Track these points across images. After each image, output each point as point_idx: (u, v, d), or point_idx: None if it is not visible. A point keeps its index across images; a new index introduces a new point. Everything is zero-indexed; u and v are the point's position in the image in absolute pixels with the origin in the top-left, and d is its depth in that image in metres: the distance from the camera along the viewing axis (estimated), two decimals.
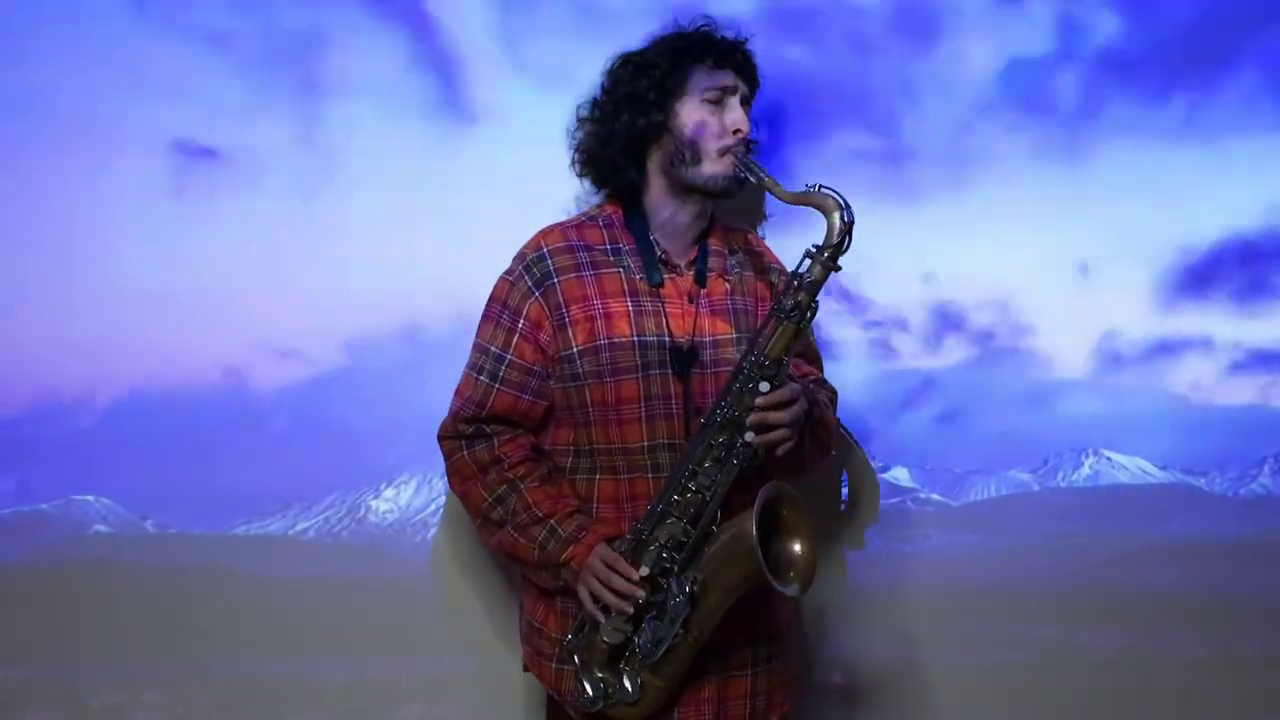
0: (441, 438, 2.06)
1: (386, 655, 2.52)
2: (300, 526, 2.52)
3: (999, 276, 2.61)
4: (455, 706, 2.54)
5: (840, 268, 1.86)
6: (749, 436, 1.85)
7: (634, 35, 2.10)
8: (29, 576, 2.47)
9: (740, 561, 1.83)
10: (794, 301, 1.85)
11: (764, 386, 1.85)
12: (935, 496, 2.63)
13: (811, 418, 1.96)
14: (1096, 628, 2.64)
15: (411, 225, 2.47)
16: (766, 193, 1.96)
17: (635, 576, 1.86)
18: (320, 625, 2.51)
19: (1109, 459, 2.66)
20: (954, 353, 2.62)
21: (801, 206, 1.90)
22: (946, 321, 2.61)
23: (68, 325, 2.45)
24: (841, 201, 1.85)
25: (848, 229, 1.84)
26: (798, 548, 1.89)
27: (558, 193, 2.32)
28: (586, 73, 2.11)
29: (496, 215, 2.38)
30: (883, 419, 2.60)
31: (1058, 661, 2.64)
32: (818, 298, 1.86)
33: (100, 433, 2.46)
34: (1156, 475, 2.66)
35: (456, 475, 2.04)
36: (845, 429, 2.50)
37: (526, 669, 2.09)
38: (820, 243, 1.85)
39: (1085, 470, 2.66)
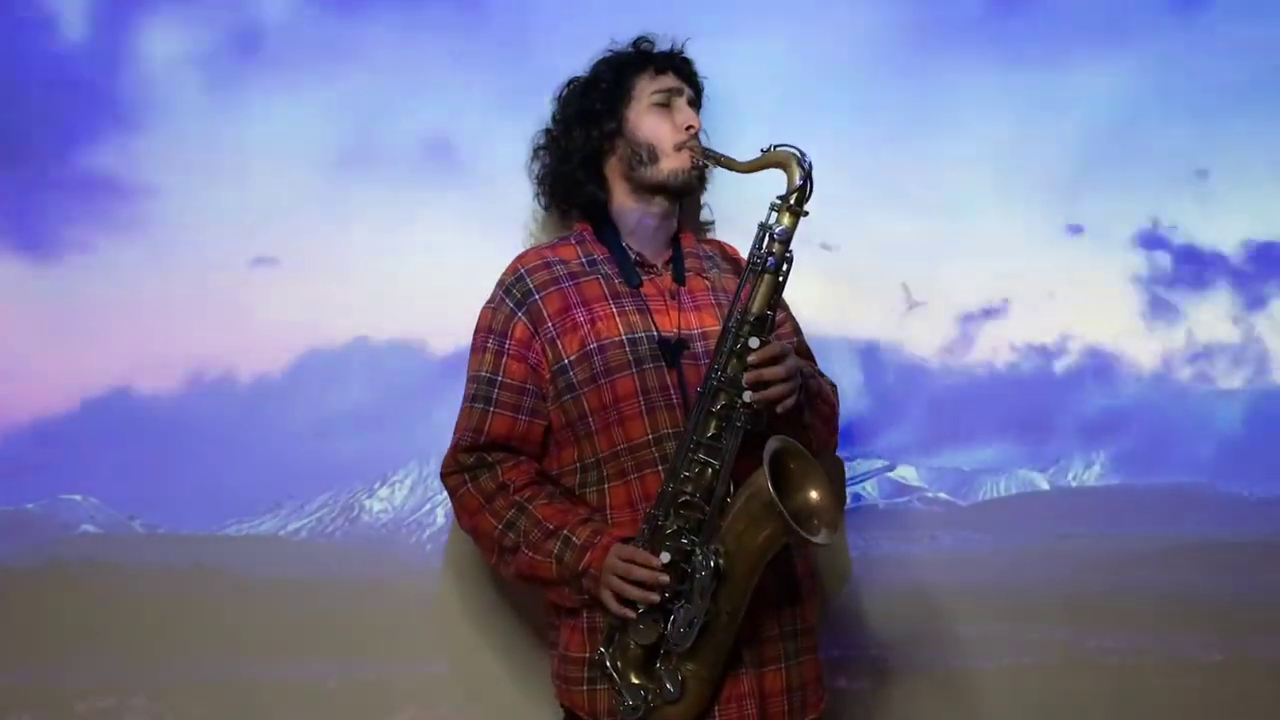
0: (444, 475, 2.06)
1: (381, 658, 2.50)
2: (292, 526, 2.49)
3: (1007, 270, 2.59)
4: (452, 710, 2.52)
5: (807, 213, 1.89)
6: (747, 396, 1.85)
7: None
8: (14, 577, 2.44)
9: (761, 520, 1.81)
10: (769, 253, 1.88)
11: (753, 343, 1.86)
12: (943, 495, 2.61)
13: (808, 388, 1.98)
14: (1109, 630, 2.62)
15: (407, 225, 2.47)
16: (714, 173, 2.04)
17: (656, 564, 1.85)
18: (313, 627, 2.48)
19: (1121, 458, 2.63)
20: (962, 347, 2.59)
21: (760, 171, 1.95)
22: (954, 316, 2.59)
23: (55, 322, 2.43)
24: (797, 151, 1.89)
25: (807, 174, 1.88)
26: (814, 495, 1.86)
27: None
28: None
29: (491, 217, 2.43)
30: (889, 416, 2.57)
31: (1069, 664, 2.61)
32: (791, 249, 1.89)
33: (87, 430, 2.43)
34: (1170, 475, 2.64)
35: (464, 511, 2.04)
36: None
37: (563, 706, 2.06)
38: (783, 192, 1.89)
39: (1097, 469, 2.63)
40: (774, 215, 1.89)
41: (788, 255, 1.89)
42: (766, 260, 1.88)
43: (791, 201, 1.88)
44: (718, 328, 1.99)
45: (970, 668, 2.59)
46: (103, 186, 2.44)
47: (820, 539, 1.83)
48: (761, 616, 1.94)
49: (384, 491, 2.51)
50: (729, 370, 1.87)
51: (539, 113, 2.23)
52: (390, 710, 2.51)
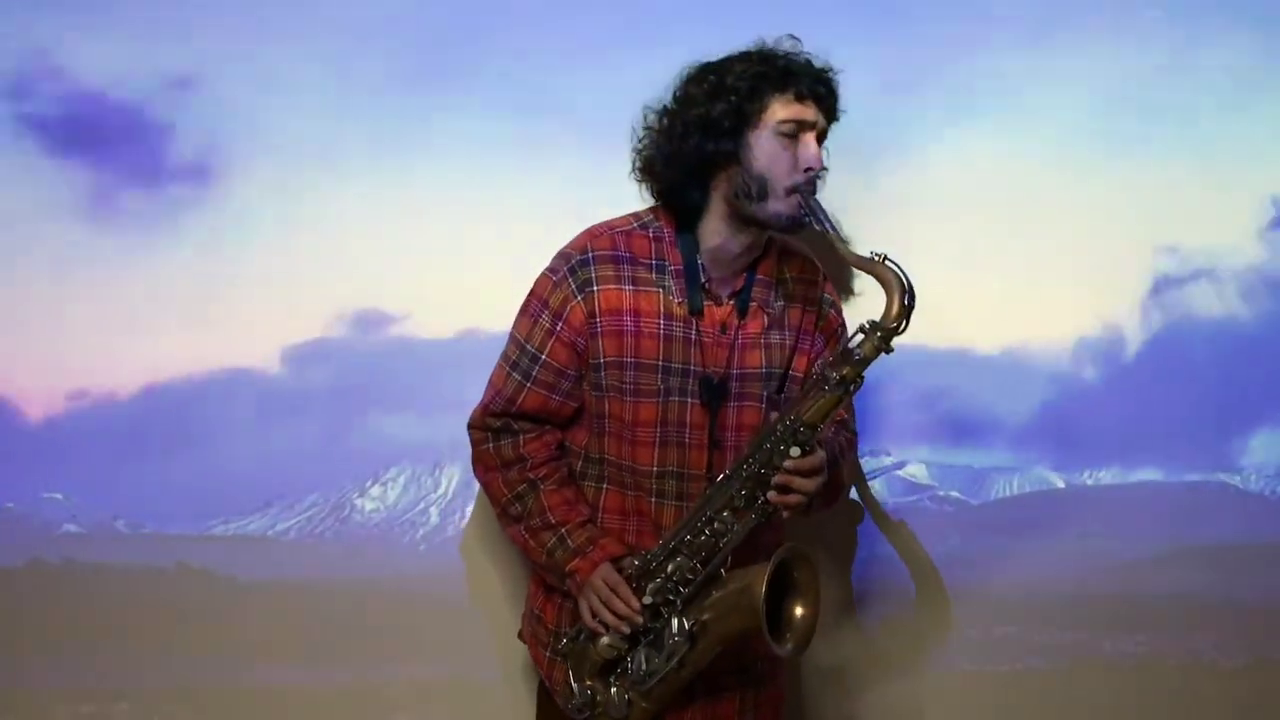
0: (470, 427, 2.09)
1: (374, 662, 2.48)
2: (281, 526, 2.48)
3: (1019, 264, 2.55)
4: (447, 714, 2.50)
5: (892, 349, 1.85)
6: (771, 495, 1.88)
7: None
8: None
9: (743, 615, 1.88)
10: (839, 376, 1.85)
11: (794, 451, 1.87)
12: (954, 494, 2.58)
13: (829, 479, 1.97)
14: (1124, 633, 2.60)
15: (399, 222, 2.44)
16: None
17: (636, 605, 1.92)
18: (303, 631, 2.47)
19: (1138, 455, 2.60)
20: (974, 342, 2.55)
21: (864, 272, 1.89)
22: (966, 309, 2.52)
23: (40, 318, 2.41)
24: (905, 283, 1.82)
25: (906, 313, 1.82)
26: (800, 610, 1.94)
27: (542, 193, 2.36)
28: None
29: (484, 216, 2.41)
30: (899, 412, 2.54)
31: (1083, 669, 2.59)
32: (863, 374, 1.87)
33: (70, 427, 2.41)
34: (1188, 473, 2.60)
35: (480, 464, 2.09)
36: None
37: (521, 638, 2.16)
38: (877, 320, 1.83)
39: (1113, 468, 2.60)
40: (859, 337, 1.84)
41: (859, 379, 1.86)
42: (836, 382, 1.85)
43: (879, 336, 1.82)
44: (760, 370, 2.01)
45: (982, 671, 2.57)
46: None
47: (785, 650, 1.91)
48: (725, 651, 1.97)
49: (376, 490, 2.50)
50: (762, 469, 1.88)
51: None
52: (384, 716, 2.49)
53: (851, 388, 1.86)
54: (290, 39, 2.39)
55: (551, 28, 2.43)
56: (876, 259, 1.82)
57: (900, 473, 2.55)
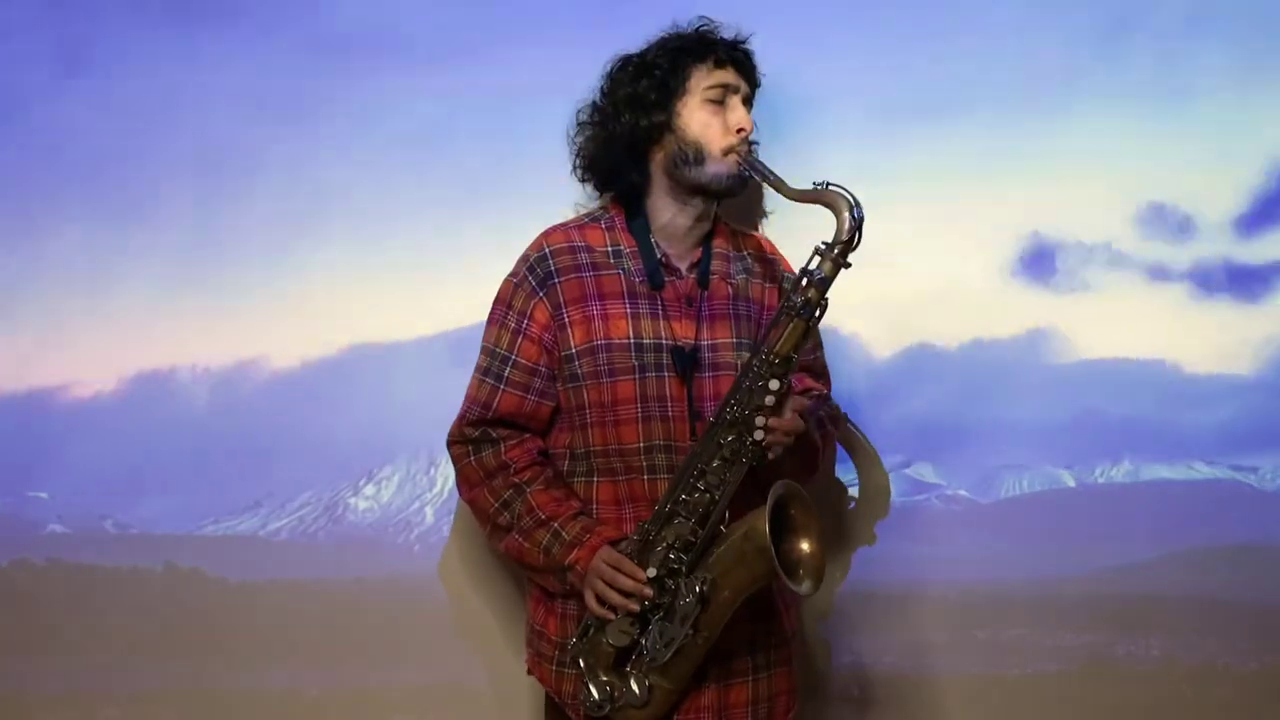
0: (450, 444, 2.11)
1: (368, 664, 2.48)
2: (273, 526, 2.47)
3: (1028, 256, 2.52)
4: (443, 716, 2.49)
5: (850, 264, 1.90)
6: (758, 435, 1.89)
7: (636, 35, 2.13)
8: None
9: (751, 561, 1.88)
10: (804, 299, 1.90)
11: (774, 384, 1.89)
12: (963, 493, 2.55)
13: (801, 438, 2.00)
14: (1138, 636, 2.56)
15: (395, 223, 2.45)
16: (767, 191, 2.03)
17: (642, 576, 1.91)
18: (295, 633, 2.47)
19: (1151, 453, 2.56)
20: (983, 337, 2.52)
21: (808, 205, 1.94)
22: (974, 304, 2.51)
23: (29, 317, 2.42)
24: (851, 199, 1.89)
25: (857, 225, 1.89)
26: (806, 546, 1.94)
27: (538, 195, 2.35)
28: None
29: (480, 216, 2.43)
30: (906, 409, 2.51)
31: (1095, 672, 2.56)
32: (827, 295, 1.91)
33: (56, 426, 2.41)
34: (1203, 471, 2.56)
35: (465, 482, 2.10)
36: (852, 424, 2.48)
37: (530, 673, 2.15)
38: (830, 240, 1.89)
39: (1125, 466, 2.56)
40: (816, 260, 1.89)
41: (822, 302, 1.90)
42: (800, 306, 1.89)
43: (835, 252, 1.88)
44: (730, 339, 2.05)
45: (991, 675, 2.54)
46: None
47: (803, 589, 1.91)
48: (736, 630, 1.98)
49: (370, 489, 2.49)
50: (745, 409, 1.90)
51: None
52: (379, 718, 2.47)
53: (817, 312, 1.90)
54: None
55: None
56: (819, 186, 1.90)
57: (907, 470, 2.53)
